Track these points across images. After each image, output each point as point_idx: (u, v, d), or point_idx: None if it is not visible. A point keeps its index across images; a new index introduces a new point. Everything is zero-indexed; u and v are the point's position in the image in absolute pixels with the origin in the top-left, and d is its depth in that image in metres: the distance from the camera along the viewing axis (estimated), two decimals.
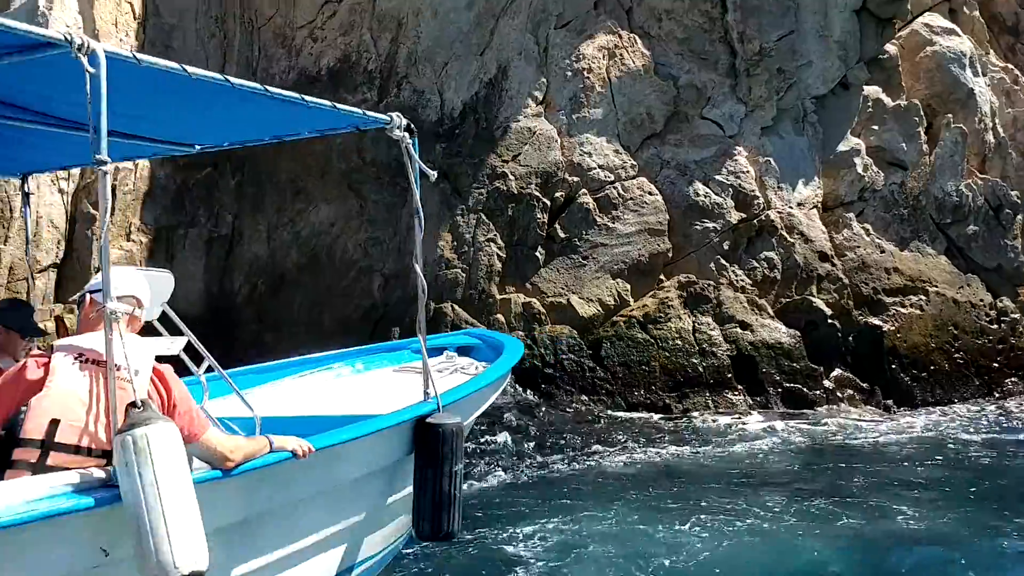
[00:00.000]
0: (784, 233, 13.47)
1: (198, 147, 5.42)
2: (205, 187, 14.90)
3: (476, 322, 12.48)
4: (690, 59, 14.05)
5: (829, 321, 12.84)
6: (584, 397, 12.08)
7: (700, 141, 13.78)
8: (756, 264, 13.37)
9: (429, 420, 4.79)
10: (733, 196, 13.46)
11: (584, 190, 13.20)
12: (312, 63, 15.04)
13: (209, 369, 4.66)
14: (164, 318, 4.21)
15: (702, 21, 14.04)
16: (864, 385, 13.20)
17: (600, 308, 12.77)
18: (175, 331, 4.21)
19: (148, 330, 3.86)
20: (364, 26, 14.69)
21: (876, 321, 13.78)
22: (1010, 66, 16.40)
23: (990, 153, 15.19)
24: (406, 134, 4.87)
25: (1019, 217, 15.19)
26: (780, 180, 13.80)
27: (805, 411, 11.86)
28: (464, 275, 12.74)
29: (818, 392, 12.25)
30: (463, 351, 7.24)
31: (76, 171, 13.87)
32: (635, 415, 11.54)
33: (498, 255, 12.80)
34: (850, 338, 13.47)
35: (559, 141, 13.37)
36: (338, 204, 13.89)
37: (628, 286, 12.96)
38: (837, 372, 13.22)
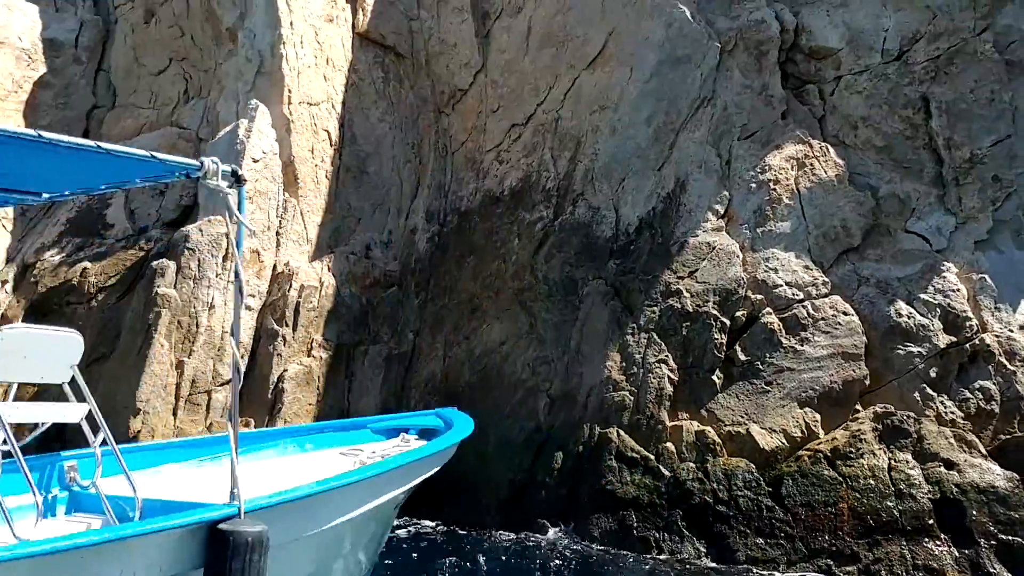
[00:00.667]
0: (1003, 360, 11.69)
1: (45, 195, 5.48)
2: (390, 305, 15.12)
3: (644, 451, 11.59)
4: (891, 168, 12.85)
5: None
6: (760, 540, 10.78)
7: (903, 256, 12.41)
8: (969, 395, 11.64)
9: (222, 526, 4.01)
10: (941, 317, 11.91)
11: (768, 308, 12.16)
12: (496, 184, 15.13)
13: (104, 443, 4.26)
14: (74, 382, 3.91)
15: (903, 128, 12.86)
16: None
17: (784, 440, 11.51)
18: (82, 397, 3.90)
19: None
20: (546, 146, 14.65)
21: None
22: None
23: None
24: (223, 183, 4.31)
25: None
26: (998, 300, 12.10)
27: None
28: (632, 398, 11.94)
29: None
30: (426, 433, 6.65)
31: (264, 289, 14.51)
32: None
33: (670, 378, 11.93)
34: None
35: (741, 256, 12.48)
36: (509, 322, 13.60)
37: (818, 416, 11.64)
38: None
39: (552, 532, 11.45)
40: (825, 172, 12.71)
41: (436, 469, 6.78)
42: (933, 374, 11.74)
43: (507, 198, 14.81)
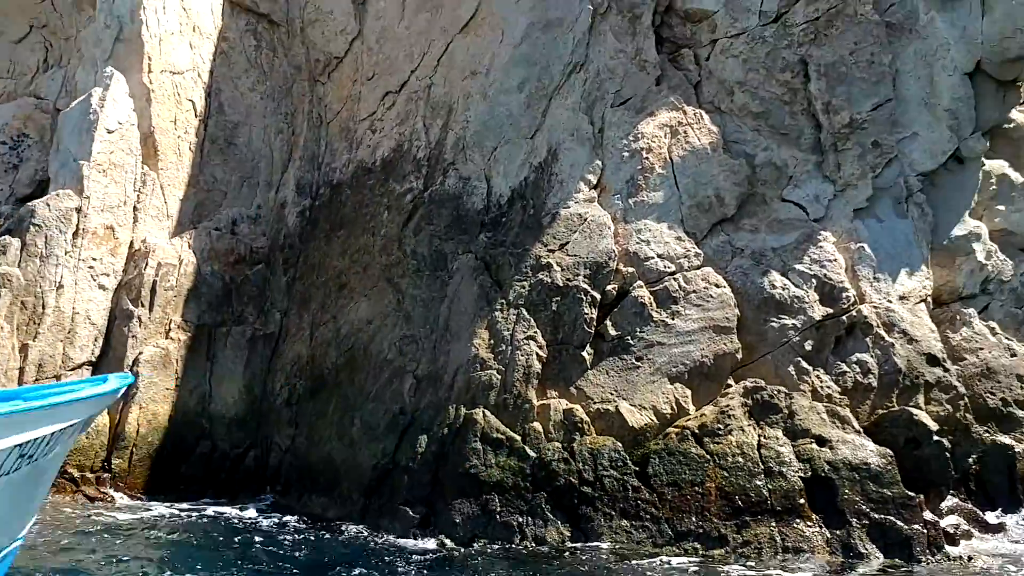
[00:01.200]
0: (882, 332, 11.31)
1: None
2: (256, 283, 14.27)
3: (510, 432, 10.94)
4: (768, 134, 12.35)
5: (936, 438, 10.48)
6: (625, 523, 10.22)
7: (779, 226, 11.95)
8: (846, 368, 11.24)
9: None
10: (817, 288, 11.48)
11: (640, 282, 11.59)
12: (369, 154, 14.33)
13: None
14: None
15: (781, 92, 12.37)
16: (989, 518, 10.69)
17: (654, 417, 10.96)
18: None
19: None
20: (418, 114, 13.88)
21: (1005, 440, 11.33)
22: None
23: None
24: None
25: None
26: (877, 270, 11.71)
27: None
28: (499, 377, 11.27)
29: (916, 526, 9.86)
30: None
31: (120, 267, 13.57)
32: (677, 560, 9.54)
33: (538, 355, 11.29)
34: (969, 460, 11.05)
35: (613, 228, 11.87)
36: (376, 299, 12.84)
37: (688, 392, 11.12)
38: (951, 502, 10.79)
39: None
40: (699, 140, 12.17)
41: (64, 425, 6.18)
42: (808, 347, 11.31)
43: (379, 169, 14.02)
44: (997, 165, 12.33)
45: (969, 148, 12.12)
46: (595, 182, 12.26)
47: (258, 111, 15.56)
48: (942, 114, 12.15)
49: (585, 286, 11.52)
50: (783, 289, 11.47)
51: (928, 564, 9.47)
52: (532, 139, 12.74)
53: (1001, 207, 12.18)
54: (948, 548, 9.85)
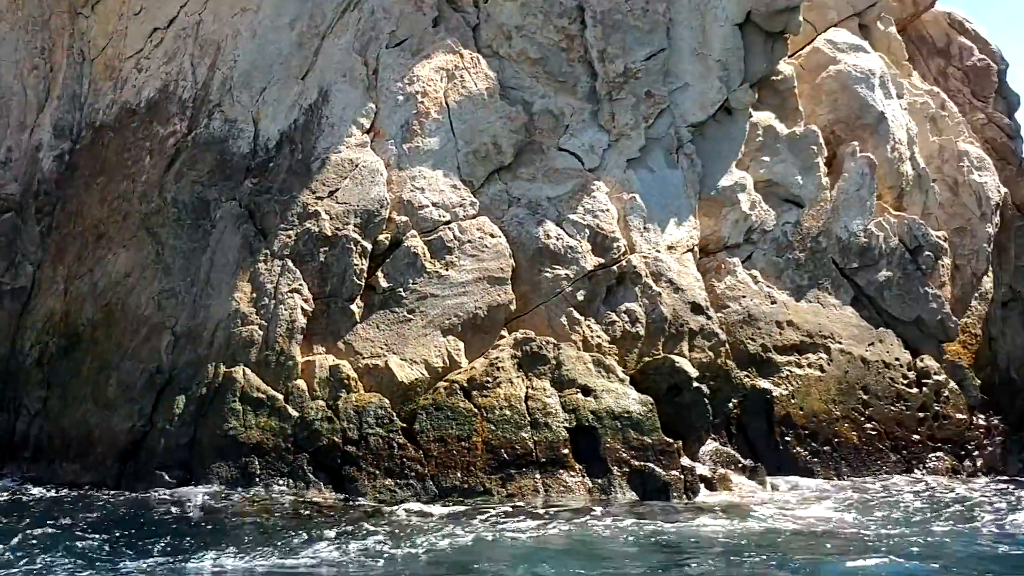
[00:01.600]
0: (649, 281, 11.42)
1: None
2: (5, 233, 13.09)
3: (272, 390, 10.44)
4: (545, 81, 12.16)
5: (695, 385, 10.69)
6: (389, 482, 9.96)
7: (556, 175, 11.82)
8: (615, 317, 11.30)
9: None
10: (590, 238, 11.45)
11: (413, 231, 11.23)
12: (134, 95, 13.27)
13: None
14: None
15: (558, 39, 12.17)
16: (746, 462, 11.04)
17: (425, 371, 10.69)
18: None
19: None
20: (186, 52, 12.92)
21: (765, 384, 11.70)
22: (936, 90, 14.44)
23: (908, 187, 13.16)
24: None
25: (945, 261, 13.09)
26: (648, 220, 11.79)
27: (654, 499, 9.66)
28: (262, 333, 10.72)
29: (674, 472, 10.06)
30: None
31: None
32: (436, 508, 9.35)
33: (303, 308, 10.79)
34: (730, 404, 11.36)
35: (386, 175, 11.44)
36: (135, 250, 11.97)
37: (461, 345, 10.90)
38: (712, 446, 11.08)
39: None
40: (476, 85, 11.84)
41: None
42: (581, 297, 11.28)
43: (143, 111, 13.01)
44: (764, 117, 12.58)
45: (738, 99, 12.30)
46: (368, 126, 11.75)
47: (9, 45, 14.22)
48: (713, 65, 12.26)
49: (355, 236, 11.07)
50: (557, 239, 11.38)
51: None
52: (303, 80, 12.08)
53: (766, 158, 12.46)
54: (705, 491, 10.11)
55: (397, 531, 8.30)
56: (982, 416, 12.60)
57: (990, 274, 13.56)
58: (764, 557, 7.32)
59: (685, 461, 10.24)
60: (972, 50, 15.44)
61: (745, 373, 11.62)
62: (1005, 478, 11.89)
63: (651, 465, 10.04)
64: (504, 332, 11.10)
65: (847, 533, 8.43)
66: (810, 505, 9.82)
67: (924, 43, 15.25)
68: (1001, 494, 10.71)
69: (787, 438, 11.58)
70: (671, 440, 10.21)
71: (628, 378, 10.85)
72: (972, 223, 13.52)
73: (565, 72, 12.17)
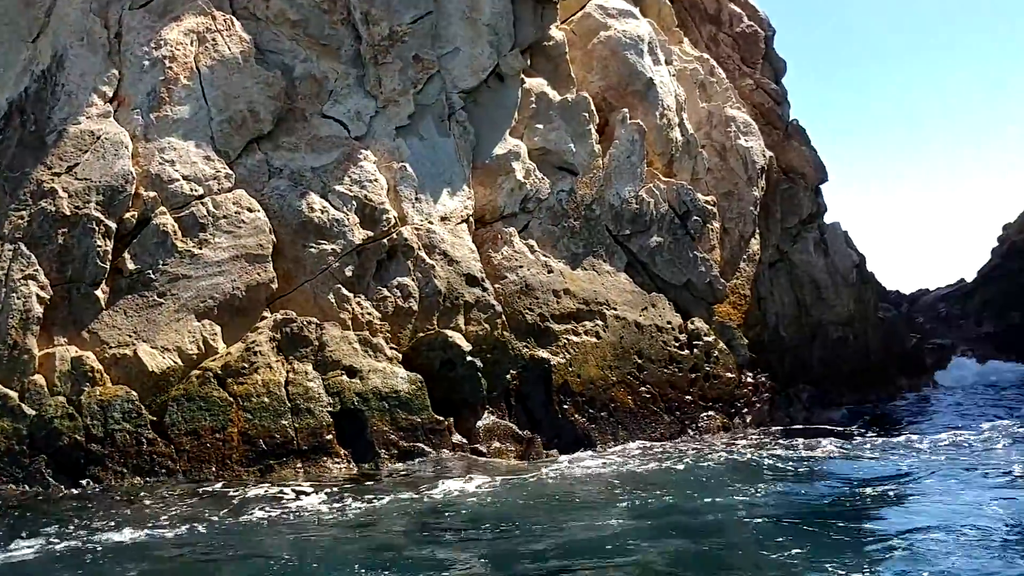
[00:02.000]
0: (422, 254, 11.07)
1: None
2: None
3: (4, 388, 9.41)
4: (307, 45, 11.51)
5: (469, 359, 10.46)
6: (138, 480, 9.21)
7: (320, 144, 11.24)
8: (387, 293, 10.89)
9: None
10: (358, 210, 10.96)
11: (163, 208, 10.39)
12: None
13: None
14: None
15: (320, 0, 11.53)
16: (523, 433, 10.93)
17: (179, 359, 9.93)
18: None
19: None
20: None
21: (543, 354, 11.58)
22: (705, 56, 14.70)
23: (677, 153, 13.35)
24: None
25: (714, 225, 13.40)
26: (419, 190, 11.41)
27: (422, 474, 9.34)
28: None
29: (446, 451, 9.82)
30: None
31: None
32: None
33: (39, 296, 9.78)
34: (508, 376, 11.20)
35: (132, 147, 10.52)
36: None
37: (218, 329, 10.21)
38: (489, 420, 10.89)
39: None
40: (229, 48, 11.05)
41: None
42: (349, 273, 10.80)
43: None
44: (537, 83, 12.41)
45: (509, 65, 12.07)
46: (111, 95, 10.79)
47: None
48: (483, 29, 11.96)
49: (98, 214, 10.12)
50: (322, 212, 10.83)
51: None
52: (34, 43, 10.94)
53: (540, 126, 12.30)
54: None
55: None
56: (750, 374, 13.03)
57: (757, 236, 14.00)
58: (511, 527, 7.14)
59: (457, 438, 9.99)
60: (741, 16, 15.84)
61: (524, 343, 11.48)
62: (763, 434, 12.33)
63: (421, 445, 9.75)
64: (267, 313, 10.49)
65: (597, 496, 8.39)
66: (573, 470, 9.78)
67: (696, 9, 15.51)
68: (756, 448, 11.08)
69: (565, 406, 11.54)
70: (441, 418, 9.93)
71: (400, 356, 10.51)
72: (739, 187, 13.89)
73: (328, 35, 11.55)
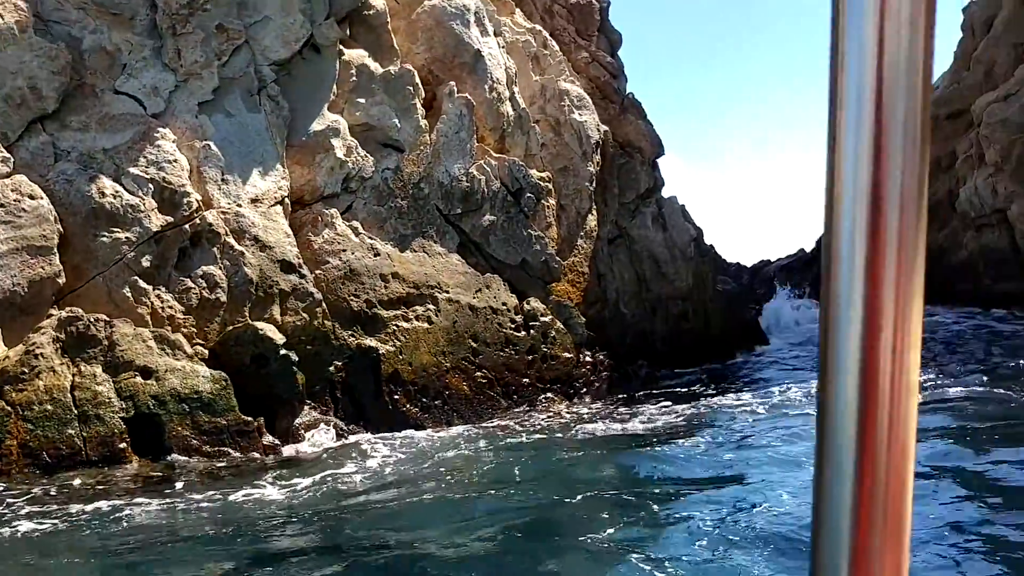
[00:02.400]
0: (231, 240, 10.22)
1: None
2: None
3: None
4: (96, 15, 10.42)
5: (283, 352, 9.71)
6: None
7: (112, 123, 10.20)
8: (191, 284, 10.01)
9: None
10: (156, 194, 10.01)
11: None
12: None
13: None
14: None
15: None
16: (347, 428, 10.28)
17: None
18: None
19: None
20: None
21: (371, 342, 10.94)
22: (538, 28, 14.25)
23: (509, 128, 12.86)
24: None
25: (550, 201, 12.99)
26: (226, 171, 10.54)
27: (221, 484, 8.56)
28: None
29: (255, 453, 9.07)
30: None
31: None
32: None
33: None
34: (332, 368, 10.51)
35: None
36: None
37: None
38: (310, 416, 10.19)
39: None
40: (2, 18, 9.88)
41: None
42: (147, 263, 9.85)
43: None
44: (357, 55, 11.68)
45: (324, 35, 11.28)
46: None
47: None
48: None
49: None
50: (115, 197, 9.83)
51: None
52: None
53: (361, 100, 11.59)
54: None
55: None
56: (589, 353, 12.72)
57: (594, 212, 13.68)
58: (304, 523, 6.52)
59: (269, 439, 9.25)
60: None
61: (349, 332, 10.81)
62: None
63: (227, 449, 8.96)
64: (55, 311, 9.46)
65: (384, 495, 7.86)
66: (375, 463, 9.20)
67: None
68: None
69: (396, 396, 10.95)
70: (250, 418, 9.17)
71: (207, 352, 9.67)
72: (575, 162, 13.53)
73: (120, 3, 10.49)
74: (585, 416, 11.41)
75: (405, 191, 11.71)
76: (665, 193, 15.32)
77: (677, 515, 6.57)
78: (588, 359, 12.65)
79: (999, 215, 20.53)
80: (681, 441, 9.35)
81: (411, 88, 11.84)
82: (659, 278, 14.66)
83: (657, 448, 9.12)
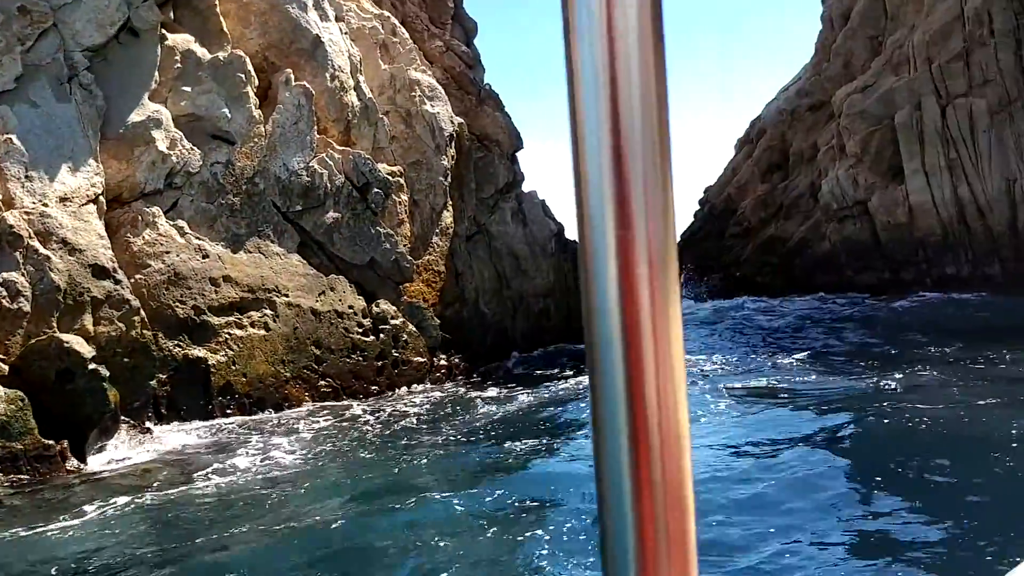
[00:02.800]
0: (34, 243, 9.21)
1: None
2: None
3: None
4: None
5: (91, 367, 8.78)
6: None
7: None
8: None
9: None
10: None
11: None
12: None
13: None
14: None
15: None
16: (167, 444, 9.40)
17: None
18: None
19: None
20: None
21: (199, 352, 10.09)
22: (386, 14, 13.55)
23: (354, 119, 12.14)
24: None
25: (401, 197, 12.33)
26: (31, 167, 9.51)
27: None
28: None
29: (58, 481, 8.14)
30: None
31: None
32: None
33: None
34: (153, 382, 9.62)
35: None
36: None
37: None
38: (130, 434, 9.28)
39: None
40: None
41: None
42: None
43: None
44: (182, 40, 10.77)
45: (142, 18, 10.35)
46: None
47: None
48: None
49: None
50: None
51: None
52: None
53: (187, 88, 10.70)
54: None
55: None
56: (444, 356, 12.13)
57: (450, 208, 13.09)
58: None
59: (73, 463, 8.32)
60: None
61: (175, 342, 9.94)
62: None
63: (22, 476, 8.00)
64: None
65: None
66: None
67: None
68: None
69: (229, 410, 10.13)
70: (51, 442, 8.23)
71: (7, 368, 8.66)
72: (428, 156, 12.90)
73: None
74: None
75: (238, 187, 10.87)
76: (530, 184, 14.86)
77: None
78: (443, 363, 12.06)
79: (860, 207, 20.84)
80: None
81: (243, 75, 11.00)
82: (520, 275, 14.16)
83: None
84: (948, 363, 11.21)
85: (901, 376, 10.50)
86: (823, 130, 21.96)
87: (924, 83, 19.68)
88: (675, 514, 0.54)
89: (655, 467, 0.54)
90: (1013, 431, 7.46)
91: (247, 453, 8.94)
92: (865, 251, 20.87)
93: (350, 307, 11.33)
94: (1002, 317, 15.74)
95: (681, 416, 0.54)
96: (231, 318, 10.45)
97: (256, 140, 11.02)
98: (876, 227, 20.70)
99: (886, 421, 8.30)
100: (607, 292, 0.53)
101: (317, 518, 6.55)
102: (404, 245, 12.06)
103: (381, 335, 11.45)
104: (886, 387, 10.02)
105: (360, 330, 11.31)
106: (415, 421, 9.90)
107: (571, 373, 12.75)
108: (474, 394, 11.16)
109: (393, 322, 11.58)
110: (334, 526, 6.40)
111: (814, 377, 11.16)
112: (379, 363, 11.37)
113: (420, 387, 11.64)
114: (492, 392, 11.21)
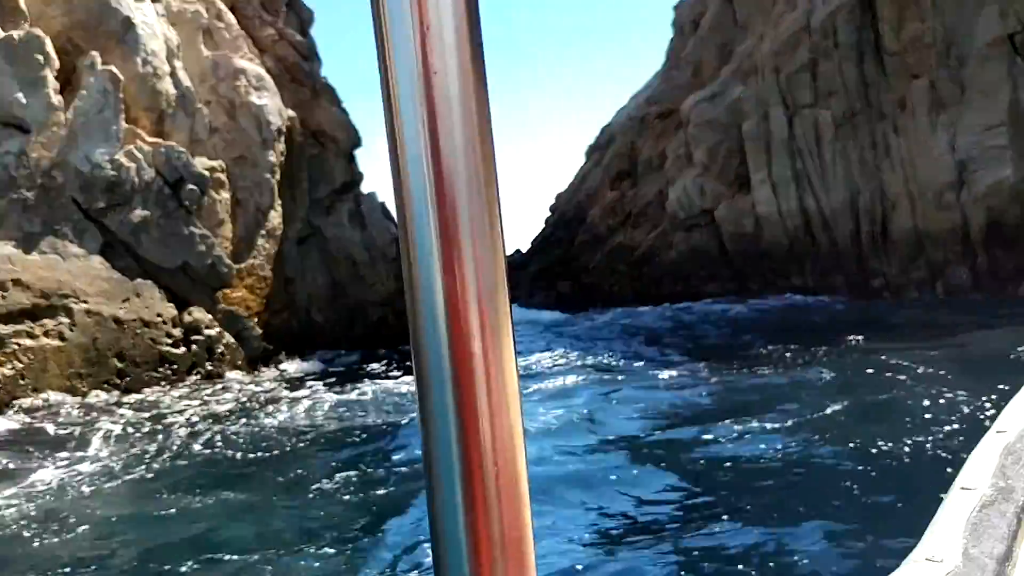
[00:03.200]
0: None
1: None
2: None
3: None
4: None
5: None
6: None
7: None
8: None
9: None
10: None
11: None
12: None
13: None
14: None
15: None
16: None
17: None
18: None
19: None
20: None
21: None
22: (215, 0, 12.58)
23: (169, 108, 11.16)
24: None
25: (222, 195, 11.42)
26: None
27: None
28: None
29: None
30: None
31: None
32: None
33: None
34: None
35: None
36: None
37: None
38: None
39: None
40: None
41: None
42: None
43: None
44: None
45: None
46: None
47: None
48: None
49: None
50: None
51: None
52: None
53: None
54: None
55: None
56: (265, 369, 11.31)
57: (279, 208, 12.24)
58: None
59: None
60: None
61: None
62: None
63: None
64: None
65: None
66: None
67: None
68: None
69: (18, 428, 9.03)
70: None
71: None
72: (253, 151, 12.02)
73: None
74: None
75: (32, 180, 9.77)
76: (370, 185, 14.15)
77: None
78: (266, 376, 11.21)
79: (707, 216, 20.96)
80: None
81: (41, 57, 9.89)
82: (357, 281, 13.43)
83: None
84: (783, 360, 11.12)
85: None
86: (672, 138, 22.01)
87: (772, 93, 19.89)
88: (511, 512, 0.52)
89: (487, 466, 0.51)
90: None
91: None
92: (711, 261, 21.00)
93: (158, 315, 10.36)
94: (833, 317, 15.93)
95: (512, 406, 0.51)
96: (20, 327, 9.34)
97: (55, 129, 9.93)
98: (723, 237, 20.84)
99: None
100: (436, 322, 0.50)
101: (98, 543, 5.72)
102: (224, 247, 11.17)
103: (193, 346, 10.54)
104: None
105: (169, 341, 10.37)
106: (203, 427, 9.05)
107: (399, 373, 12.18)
108: (288, 400, 10.40)
109: (208, 332, 10.68)
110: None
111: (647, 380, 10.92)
112: (191, 377, 10.45)
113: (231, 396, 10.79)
114: (307, 402, 10.42)
